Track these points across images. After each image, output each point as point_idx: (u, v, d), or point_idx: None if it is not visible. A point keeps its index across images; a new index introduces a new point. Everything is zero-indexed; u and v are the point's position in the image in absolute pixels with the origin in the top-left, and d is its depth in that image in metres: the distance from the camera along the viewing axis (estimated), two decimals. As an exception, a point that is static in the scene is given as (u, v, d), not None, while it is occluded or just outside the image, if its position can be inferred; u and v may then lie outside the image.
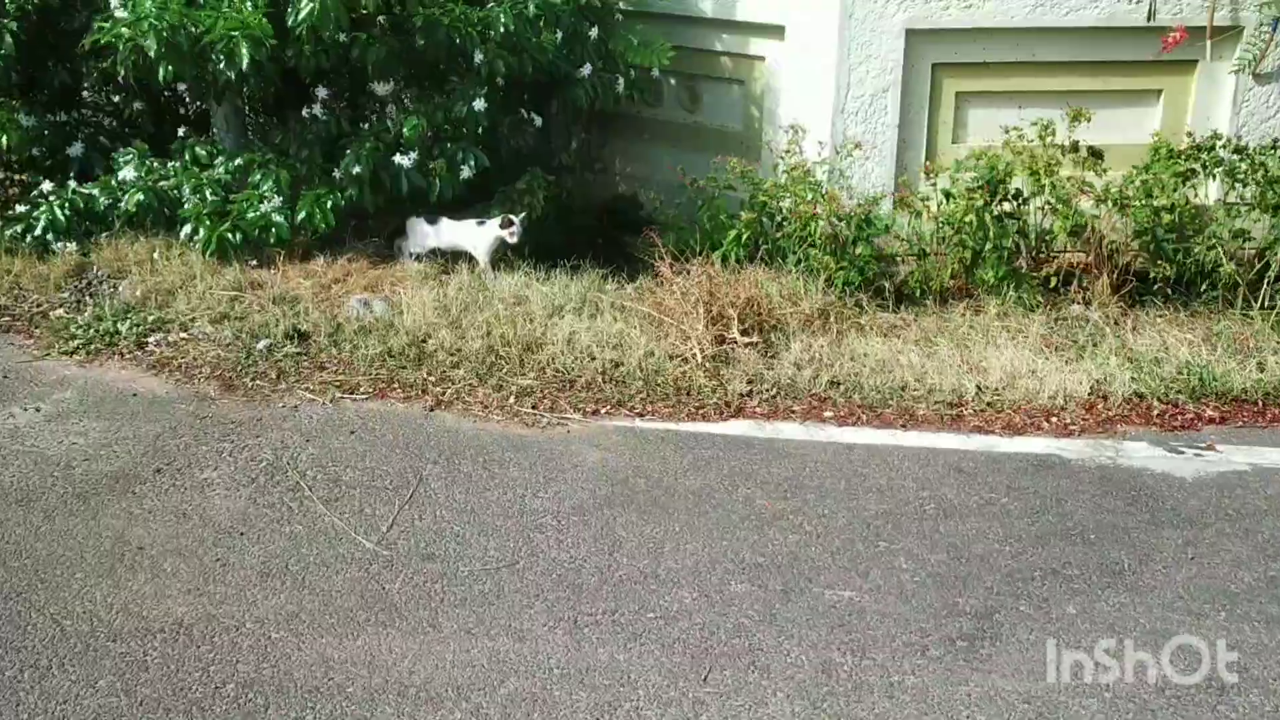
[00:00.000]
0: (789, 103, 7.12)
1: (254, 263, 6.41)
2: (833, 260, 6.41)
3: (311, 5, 5.77)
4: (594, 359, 5.39)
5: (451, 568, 3.99)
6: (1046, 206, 6.46)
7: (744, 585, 3.90)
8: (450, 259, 6.55)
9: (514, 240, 6.34)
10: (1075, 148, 6.65)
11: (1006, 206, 6.45)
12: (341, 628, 3.66)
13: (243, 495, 4.41)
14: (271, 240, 6.32)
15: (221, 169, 6.54)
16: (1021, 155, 6.49)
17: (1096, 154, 6.68)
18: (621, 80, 7.06)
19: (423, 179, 6.38)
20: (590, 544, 4.13)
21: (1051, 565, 4.04)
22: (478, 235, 6.43)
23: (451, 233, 6.51)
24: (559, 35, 6.61)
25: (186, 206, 6.43)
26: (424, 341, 5.58)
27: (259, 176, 6.40)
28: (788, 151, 6.76)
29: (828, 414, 5.09)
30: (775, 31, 7.10)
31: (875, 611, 3.78)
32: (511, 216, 6.33)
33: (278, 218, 6.29)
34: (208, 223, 6.31)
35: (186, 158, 6.69)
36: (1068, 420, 5.08)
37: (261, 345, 5.59)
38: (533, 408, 5.11)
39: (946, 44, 6.90)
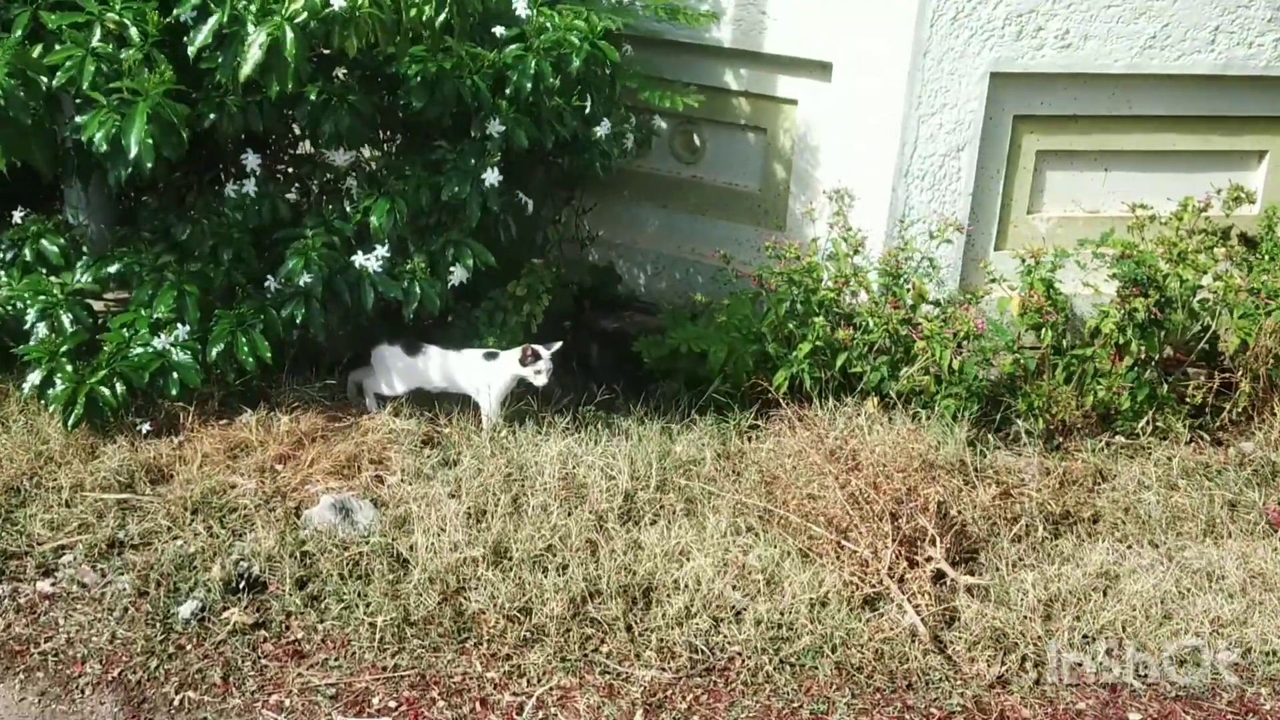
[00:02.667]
0: (831, 161, 5.07)
1: (145, 427, 3.78)
2: (933, 382, 4.41)
3: (260, 55, 3.17)
4: (740, 618, 3.08)
5: None
6: (1188, 308, 4.62)
7: None
8: (438, 403, 4.07)
9: (542, 382, 3.95)
10: (1226, 235, 4.79)
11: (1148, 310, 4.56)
12: None
13: None
14: (173, 391, 3.72)
15: (87, 276, 3.85)
16: (1177, 244, 4.61)
17: (1249, 242, 4.85)
18: (631, 134, 4.78)
19: (398, 287, 3.90)
20: None
21: None
22: (487, 373, 4.00)
23: (444, 368, 4.06)
24: (589, 100, 4.23)
25: (33, 339, 3.74)
26: (460, 592, 3.14)
27: (150, 291, 3.76)
28: (848, 230, 4.71)
29: (1133, 716, 2.95)
30: (817, 69, 5.02)
31: None
32: (538, 348, 3.93)
33: (181, 356, 3.70)
34: (69, 368, 3.66)
35: (28, 255, 3.96)
36: None
37: (187, 611, 3.03)
38: (683, 737, 2.79)
39: (1034, 91, 5.02)
